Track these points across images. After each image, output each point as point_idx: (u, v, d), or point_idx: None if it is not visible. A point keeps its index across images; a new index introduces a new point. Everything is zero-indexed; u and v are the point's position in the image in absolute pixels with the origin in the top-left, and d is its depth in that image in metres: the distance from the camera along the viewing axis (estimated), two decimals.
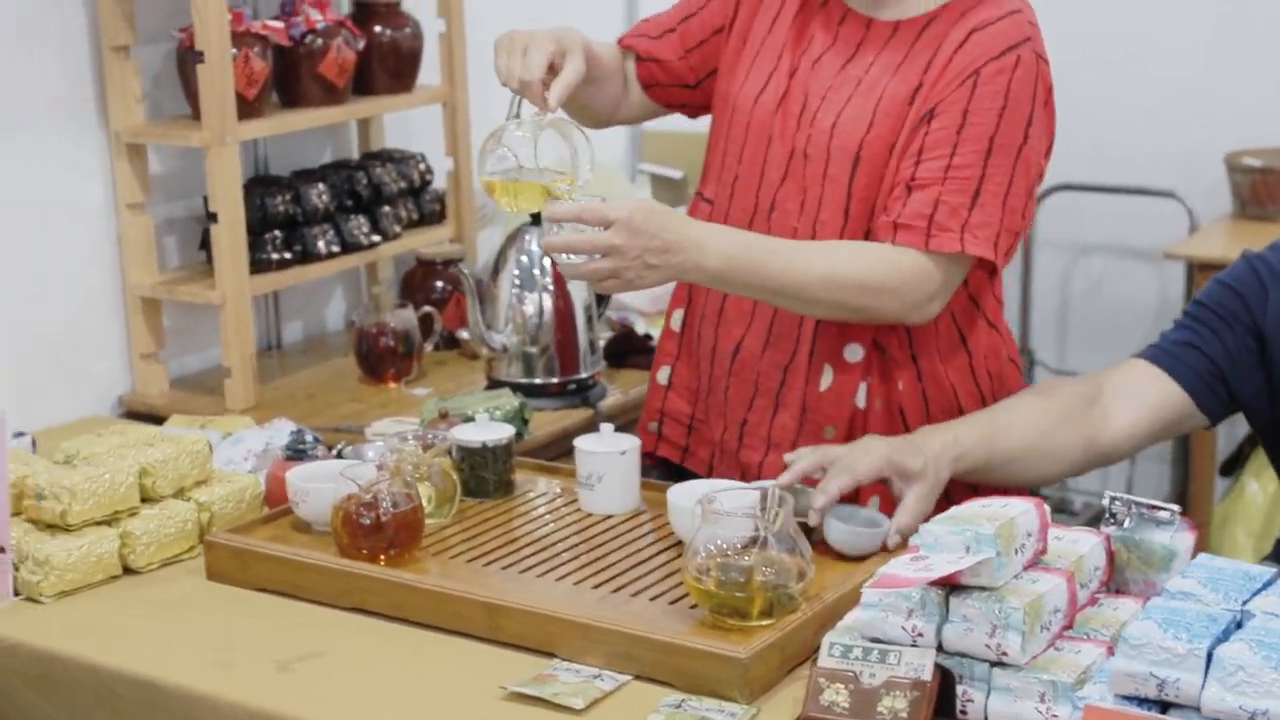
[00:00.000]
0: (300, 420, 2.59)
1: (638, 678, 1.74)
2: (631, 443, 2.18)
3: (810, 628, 1.77)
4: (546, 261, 2.83)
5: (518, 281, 2.83)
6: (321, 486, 2.07)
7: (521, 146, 2.10)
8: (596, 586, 1.93)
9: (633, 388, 2.92)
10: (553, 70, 2.11)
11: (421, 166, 3.29)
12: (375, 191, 3.17)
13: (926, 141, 2.06)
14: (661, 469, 2.37)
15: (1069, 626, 1.65)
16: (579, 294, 2.86)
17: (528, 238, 2.83)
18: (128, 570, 2.08)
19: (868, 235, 2.12)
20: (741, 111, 2.22)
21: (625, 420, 2.70)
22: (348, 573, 1.95)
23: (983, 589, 1.58)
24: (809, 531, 1.92)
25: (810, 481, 2.00)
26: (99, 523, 2.06)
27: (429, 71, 3.27)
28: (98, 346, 2.90)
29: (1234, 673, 1.44)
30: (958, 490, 2.03)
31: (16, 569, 2.01)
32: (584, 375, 2.87)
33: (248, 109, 2.84)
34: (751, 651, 1.69)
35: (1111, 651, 1.60)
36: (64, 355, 2.85)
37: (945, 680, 1.61)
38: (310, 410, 2.81)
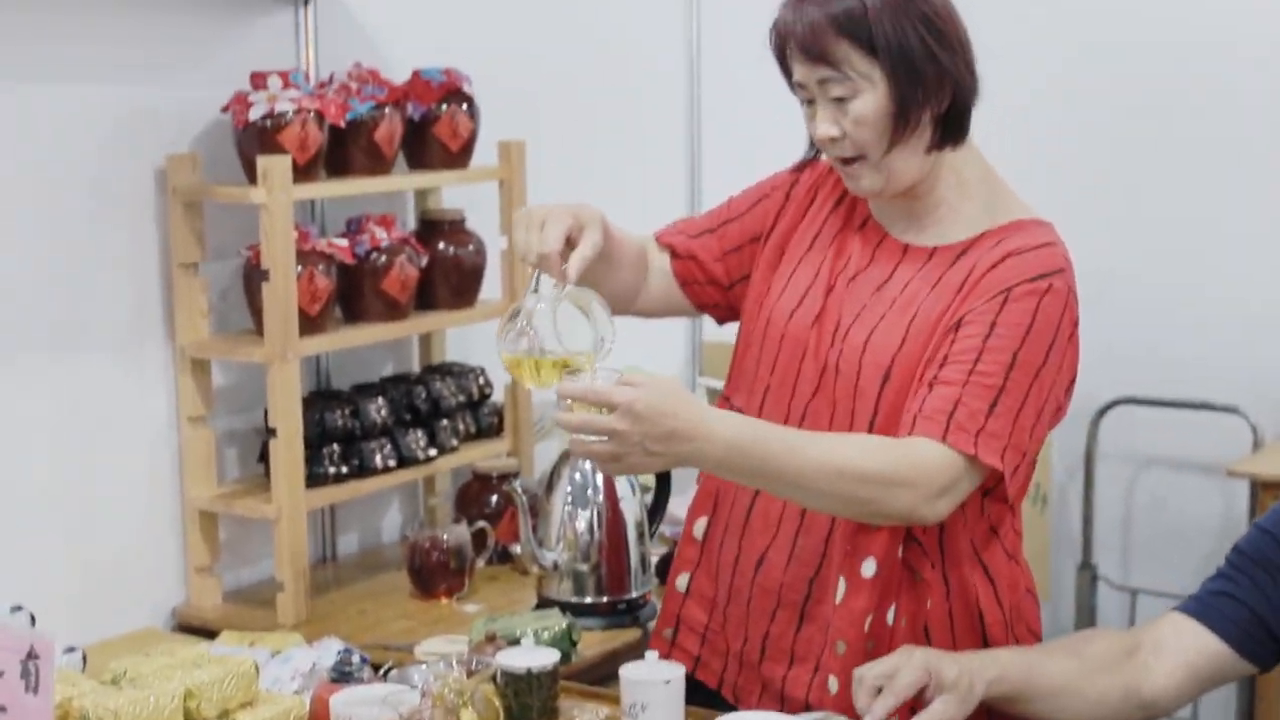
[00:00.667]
0: (350, 637, 2.59)
1: None
2: (676, 672, 2.16)
3: None
4: (599, 478, 2.84)
5: (570, 498, 2.84)
6: (365, 712, 2.05)
7: (541, 320, 2.05)
8: None
9: None
10: (570, 244, 2.11)
11: (480, 380, 3.33)
12: (434, 405, 3.20)
13: (953, 349, 2.07)
14: None
15: None
16: (631, 510, 2.87)
17: None
18: None
19: None
20: (776, 325, 2.23)
21: None
22: None
23: None
24: None
25: (846, 708, 1.97)
26: None
27: (490, 286, 3.32)
28: (154, 559, 2.92)
29: None
30: None
31: None
32: (634, 595, 2.87)
33: (310, 325, 2.90)
34: None
35: None
36: (120, 568, 2.86)
37: None
38: (361, 627, 2.82)
